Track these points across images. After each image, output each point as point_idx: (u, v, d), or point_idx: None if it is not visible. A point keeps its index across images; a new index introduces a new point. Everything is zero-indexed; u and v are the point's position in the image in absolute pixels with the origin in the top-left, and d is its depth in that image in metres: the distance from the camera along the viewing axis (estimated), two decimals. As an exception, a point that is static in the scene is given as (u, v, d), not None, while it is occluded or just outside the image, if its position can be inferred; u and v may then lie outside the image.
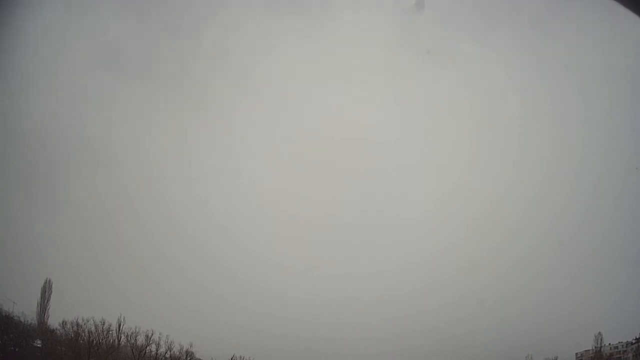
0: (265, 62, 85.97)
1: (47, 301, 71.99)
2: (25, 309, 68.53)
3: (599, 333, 77.22)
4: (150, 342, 73.52)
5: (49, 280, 72.18)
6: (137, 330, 72.85)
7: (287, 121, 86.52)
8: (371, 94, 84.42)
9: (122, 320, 71.90)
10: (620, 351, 77.65)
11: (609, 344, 77.68)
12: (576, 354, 79.94)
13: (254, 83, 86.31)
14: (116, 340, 72.27)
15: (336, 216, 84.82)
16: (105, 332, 71.58)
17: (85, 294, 72.91)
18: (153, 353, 73.87)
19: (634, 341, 76.50)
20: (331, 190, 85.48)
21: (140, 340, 73.41)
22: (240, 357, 77.18)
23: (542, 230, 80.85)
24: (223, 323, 76.52)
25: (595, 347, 78.02)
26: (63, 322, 70.75)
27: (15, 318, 67.37)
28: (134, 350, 73.22)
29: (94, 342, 70.35)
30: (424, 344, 75.83)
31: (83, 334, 70.30)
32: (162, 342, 73.71)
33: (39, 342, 69.48)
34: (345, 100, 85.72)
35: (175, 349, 74.29)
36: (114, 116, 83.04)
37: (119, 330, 72.18)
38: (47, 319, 71.72)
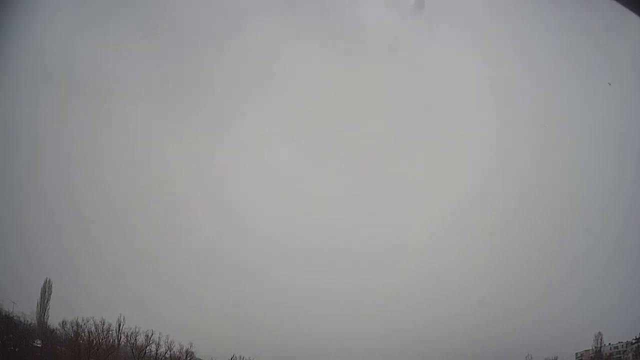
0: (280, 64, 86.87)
1: (47, 301, 71.99)
2: (25, 309, 68.65)
3: (599, 333, 77.31)
4: (150, 342, 73.69)
5: (49, 280, 72.23)
6: (137, 330, 73.03)
7: (290, 121, 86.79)
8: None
9: (122, 320, 72.06)
10: (620, 351, 77.66)
11: (609, 344, 77.69)
12: (576, 354, 79.98)
13: (268, 82, 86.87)
14: (116, 340, 72.34)
15: (338, 211, 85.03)
16: (105, 332, 71.69)
17: (85, 294, 72.94)
18: (153, 353, 73.93)
19: (634, 341, 76.51)
20: (334, 183, 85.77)
21: (140, 340, 73.58)
22: (240, 357, 77.37)
23: (542, 230, 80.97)
24: (223, 323, 76.66)
25: (595, 347, 78.04)
26: (63, 322, 70.85)
27: (15, 318, 67.41)
28: (134, 350, 73.25)
29: (94, 342, 70.38)
30: (423, 343, 75.98)
31: (83, 334, 70.36)
32: (162, 342, 73.90)
33: (39, 342, 69.47)
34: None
35: (175, 349, 74.44)
36: (117, 112, 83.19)
37: (119, 330, 72.31)
38: (47, 319, 71.76)
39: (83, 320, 70.12)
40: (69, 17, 77.81)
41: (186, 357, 74.91)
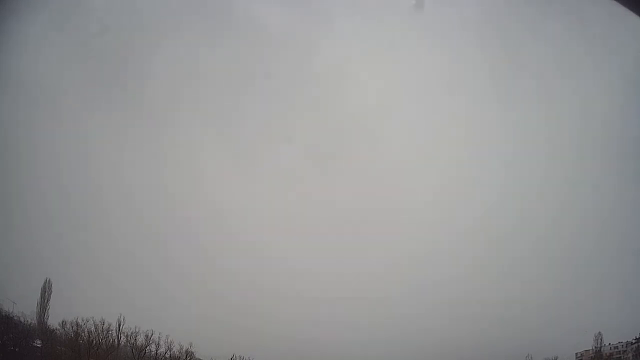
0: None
1: (47, 301, 71.99)
2: (25, 309, 68.60)
3: (599, 333, 77.38)
4: (150, 342, 73.62)
5: (49, 280, 72.27)
6: (137, 330, 72.96)
7: (288, 124, 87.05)
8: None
9: (122, 320, 72.01)
10: (620, 351, 77.68)
11: (609, 344, 77.72)
12: (576, 354, 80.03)
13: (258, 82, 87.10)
14: (116, 340, 72.26)
15: (337, 216, 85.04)
16: (105, 332, 71.59)
17: (85, 294, 72.92)
18: (153, 353, 73.86)
19: (634, 341, 76.53)
20: (333, 190, 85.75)
21: (140, 340, 73.51)
22: (240, 357, 77.34)
23: (542, 231, 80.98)
24: (223, 323, 76.63)
25: (595, 347, 78.06)
26: (63, 322, 70.75)
27: (15, 318, 67.32)
28: (134, 350, 73.17)
29: (94, 342, 70.28)
30: (424, 344, 75.98)
31: (83, 334, 70.25)
32: (162, 342, 73.83)
33: (38, 342, 69.37)
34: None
35: (175, 349, 74.38)
36: (113, 119, 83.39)
37: (119, 330, 72.25)
38: (47, 319, 71.74)
39: (83, 320, 70.13)
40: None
41: (186, 357, 74.88)
